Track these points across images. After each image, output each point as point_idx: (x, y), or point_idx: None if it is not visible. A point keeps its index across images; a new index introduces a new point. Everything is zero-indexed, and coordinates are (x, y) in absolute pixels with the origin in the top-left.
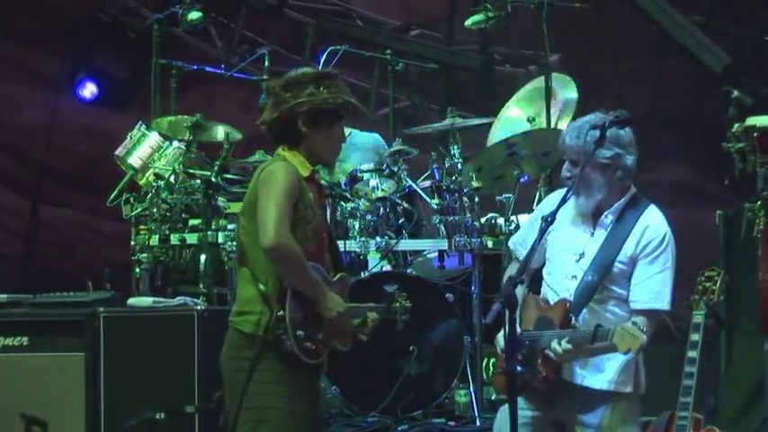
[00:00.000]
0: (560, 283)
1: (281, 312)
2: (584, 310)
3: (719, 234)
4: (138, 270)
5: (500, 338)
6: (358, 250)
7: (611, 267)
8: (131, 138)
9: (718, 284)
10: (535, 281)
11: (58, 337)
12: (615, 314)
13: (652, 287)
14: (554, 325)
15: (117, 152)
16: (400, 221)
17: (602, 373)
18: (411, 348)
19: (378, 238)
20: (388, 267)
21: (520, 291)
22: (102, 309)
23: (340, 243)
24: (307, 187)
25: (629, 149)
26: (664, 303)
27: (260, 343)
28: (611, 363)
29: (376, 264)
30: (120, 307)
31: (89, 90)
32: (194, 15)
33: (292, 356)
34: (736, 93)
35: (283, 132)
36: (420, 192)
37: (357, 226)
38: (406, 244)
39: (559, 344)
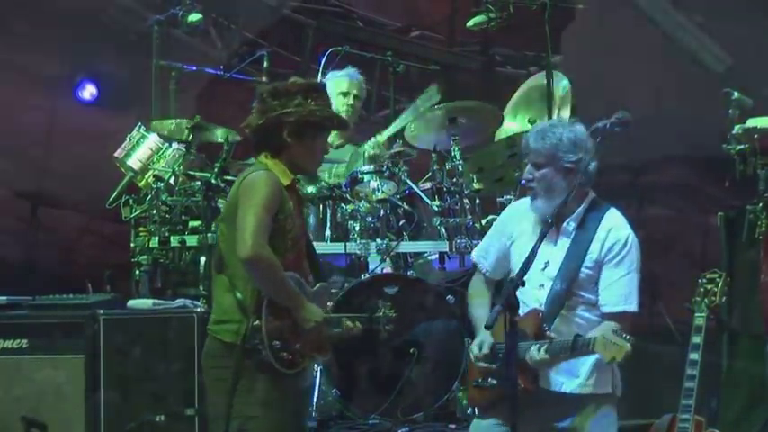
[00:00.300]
0: (527, 292)
1: (257, 322)
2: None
3: (721, 236)
4: (137, 272)
5: (474, 347)
6: (359, 252)
7: (578, 273)
8: (131, 139)
9: (719, 286)
10: (499, 291)
11: (58, 340)
12: (585, 319)
13: (620, 290)
14: (527, 336)
15: (116, 154)
16: (401, 223)
17: (578, 378)
18: (412, 350)
19: (378, 240)
20: (388, 269)
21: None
22: (101, 311)
23: (340, 245)
24: (287, 197)
25: (591, 155)
26: (632, 305)
27: (239, 352)
28: (584, 367)
29: (377, 266)
30: (119, 309)
31: (89, 91)
32: (194, 17)
33: (271, 365)
34: (736, 94)
35: (267, 139)
36: (420, 194)
37: (358, 228)
38: (407, 246)
39: (538, 351)
